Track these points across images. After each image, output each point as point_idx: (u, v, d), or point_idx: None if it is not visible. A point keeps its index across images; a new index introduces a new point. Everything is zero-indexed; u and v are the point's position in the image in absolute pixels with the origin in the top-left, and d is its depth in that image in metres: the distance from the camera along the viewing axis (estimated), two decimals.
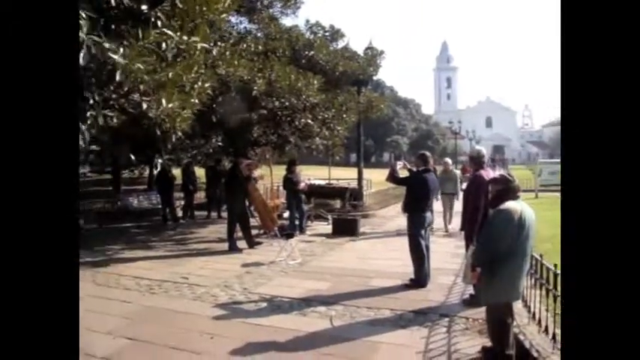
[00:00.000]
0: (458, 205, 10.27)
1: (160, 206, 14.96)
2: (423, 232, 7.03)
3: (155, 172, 17.42)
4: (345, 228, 11.48)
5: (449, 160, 13.49)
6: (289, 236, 9.13)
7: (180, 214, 14.83)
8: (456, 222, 10.10)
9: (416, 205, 7.06)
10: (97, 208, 15.70)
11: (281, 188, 12.74)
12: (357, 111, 14.77)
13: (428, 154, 7.42)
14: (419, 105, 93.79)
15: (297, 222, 11.73)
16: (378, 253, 9.36)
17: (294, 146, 13.99)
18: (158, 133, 6.11)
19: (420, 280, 6.89)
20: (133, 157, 10.23)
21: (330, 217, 13.15)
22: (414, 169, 7.33)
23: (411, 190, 7.18)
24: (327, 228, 12.28)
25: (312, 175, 22.76)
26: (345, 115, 13.68)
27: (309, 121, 12.26)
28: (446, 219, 12.29)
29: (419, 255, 6.94)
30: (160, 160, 12.82)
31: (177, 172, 15.88)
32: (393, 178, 7.24)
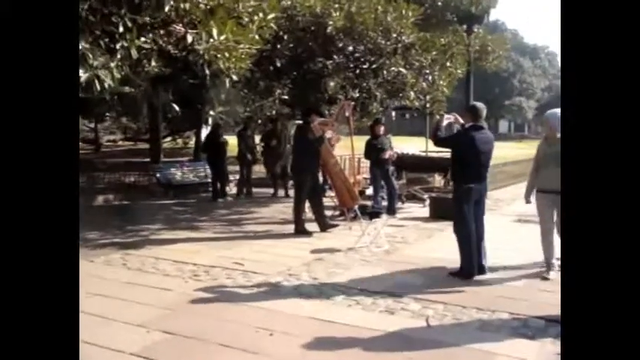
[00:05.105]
0: None
1: (209, 180, 15.28)
2: (466, 207, 6.82)
3: (203, 133, 17.63)
4: (447, 210, 11.24)
5: (555, 116, 6.56)
6: (374, 215, 9.04)
7: (234, 190, 15.10)
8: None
9: (460, 172, 6.91)
10: (129, 182, 16.28)
11: (363, 161, 12.58)
12: (465, 58, 14.31)
13: (481, 105, 7.02)
14: (553, 54, 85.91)
15: (384, 202, 11.63)
16: (491, 243, 9.11)
17: (379, 104, 13.63)
18: (207, 73, 6.14)
19: (463, 270, 6.84)
20: (176, 107, 10.22)
21: (426, 197, 12.95)
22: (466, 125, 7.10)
23: (455, 153, 7.00)
24: (424, 211, 12.15)
25: (404, 148, 22.50)
26: (449, 64, 13.23)
27: (402, 69, 11.95)
28: (550, 244, 6.87)
29: (462, 235, 6.84)
30: (211, 113, 12.43)
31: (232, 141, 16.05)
32: (435, 137, 7.10)
